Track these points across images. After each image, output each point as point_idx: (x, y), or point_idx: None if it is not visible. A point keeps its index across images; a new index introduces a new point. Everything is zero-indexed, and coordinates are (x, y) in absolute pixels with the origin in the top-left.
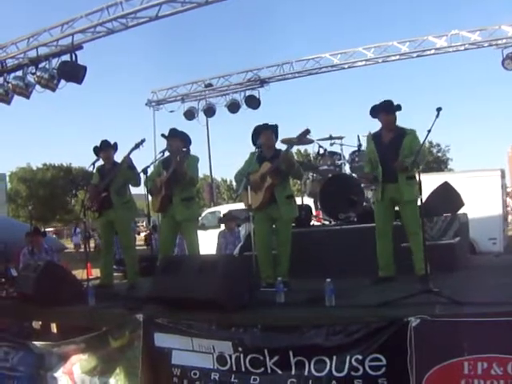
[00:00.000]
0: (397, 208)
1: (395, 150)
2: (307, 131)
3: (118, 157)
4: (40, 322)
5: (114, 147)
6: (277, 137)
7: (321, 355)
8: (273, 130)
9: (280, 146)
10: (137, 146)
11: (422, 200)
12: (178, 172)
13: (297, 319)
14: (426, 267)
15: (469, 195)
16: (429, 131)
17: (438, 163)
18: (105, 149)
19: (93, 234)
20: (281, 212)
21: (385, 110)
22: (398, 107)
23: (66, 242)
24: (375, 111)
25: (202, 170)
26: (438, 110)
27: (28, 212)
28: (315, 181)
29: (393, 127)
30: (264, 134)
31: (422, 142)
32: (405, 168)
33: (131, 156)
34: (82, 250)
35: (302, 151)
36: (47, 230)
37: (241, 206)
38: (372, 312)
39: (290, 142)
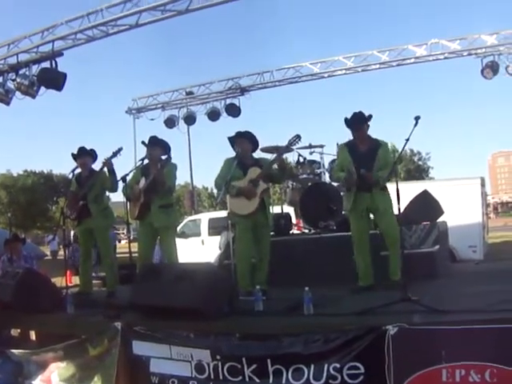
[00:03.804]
0: (372, 217)
1: (371, 161)
2: (297, 137)
3: (97, 165)
4: (19, 330)
5: (92, 154)
6: (253, 143)
7: (299, 363)
8: (244, 136)
9: (260, 154)
10: (114, 154)
11: (400, 208)
12: (157, 180)
13: (275, 328)
14: (404, 275)
15: (449, 203)
16: (407, 140)
17: (419, 171)
18: (81, 156)
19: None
20: (268, 218)
21: (352, 127)
22: (368, 118)
23: (44, 248)
24: (346, 124)
25: (183, 178)
26: (417, 118)
27: (7, 219)
28: (295, 189)
29: (365, 139)
30: (237, 142)
31: (400, 151)
32: (378, 182)
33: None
34: (59, 257)
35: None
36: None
37: (222, 213)
38: (350, 320)
39: (277, 149)
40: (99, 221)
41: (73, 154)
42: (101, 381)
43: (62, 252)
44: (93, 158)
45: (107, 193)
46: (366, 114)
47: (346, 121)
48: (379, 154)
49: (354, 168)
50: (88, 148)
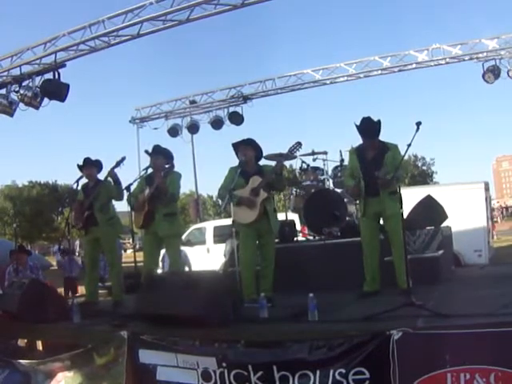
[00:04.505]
0: (381, 222)
1: (378, 166)
2: (298, 144)
3: (102, 175)
4: (25, 340)
5: (97, 165)
6: (257, 151)
7: (304, 370)
8: (249, 144)
9: (264, 161)
10: (118, 163)
11: (402, 214)
12: (160, 188)
13: (280, 334)
14: (408, 280)
15: (453, 208)
16: (409, 145)
17: (423, 176)
18: (87, 166)
19: (80, 250)
20: (271, 225)
21: (363, 135)
22: (378, 128)
23: (50, 259)
24: (359, 132)
25: (188, 187)
26: (418, 124)
27: (13, 230)
28: (298, 196)
29: (375, 144)
30: (240, 150)
31: (402, 156)
32: (387, 183)
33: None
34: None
35: (288, 167)
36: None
37: (227, 221)
38: (354, 326)
39: (279, 157)
40: (106, 230)
41: (78, 165)
42: None
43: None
44: (98, 168)
45: (113, 201)
46: (374, 119)
47: (359, 128)
48: (386, 158)
49: (361, 175)
50: (92, 158)
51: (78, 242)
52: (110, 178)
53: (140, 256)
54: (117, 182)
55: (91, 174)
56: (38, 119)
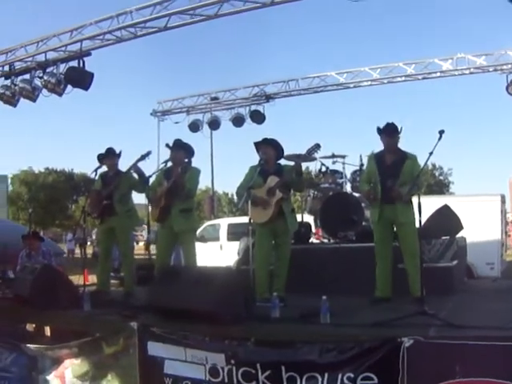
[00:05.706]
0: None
1: (395, 173)
2: (317, 146)
3: (122, 165)
4: (34, 325)
5: (119, 156)
6: (278, 151)
7: (313, 372)
8: (270, 144)
9: (283, 162)
10: (142, 157)
11: (420, 222)
12: (178, 183)
13: (290, 335)
14: (422, 289)
15: (468, 219)
16: (430, 153)
17: (440, 186)
18: (110, 156)
19: (93, 239)
20: (288, 225)
21: (386, 133)
22: (400, 130)
23: (62, 246)
24: (379, 132)
25: (204, 183)
26: (441, 132)
27: (28, 215)
28: (316, 198)
29: (394, 150)
30: (261, 148)
31: (423, 164)
32: (400, 197)
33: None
34: (75, 256)
35: (304, 168)
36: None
37: (242, 219)
38: (366, 331)
39: (298, 157)
40: (123, 221)
41: (100, 154)
42: (115, 380)
43: (78, 250)
44: (118, 159)
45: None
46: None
47: (379, 129)
48: (404, 167)
49: (378, 179)
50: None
51: (95, 231)
52: (132, 171)
53: (153, 249)
54: (141, 174)
55: (113, 164)
56: (60, 106)
